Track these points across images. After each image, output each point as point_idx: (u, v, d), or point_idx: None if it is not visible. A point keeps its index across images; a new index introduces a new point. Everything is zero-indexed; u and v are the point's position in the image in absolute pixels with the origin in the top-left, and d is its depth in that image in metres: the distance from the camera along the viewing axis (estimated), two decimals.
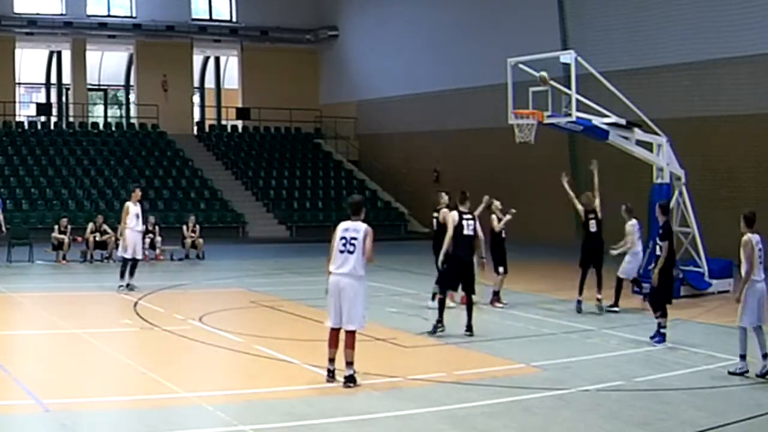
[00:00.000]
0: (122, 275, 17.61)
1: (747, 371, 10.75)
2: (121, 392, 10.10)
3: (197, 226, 24.81)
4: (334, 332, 10.16)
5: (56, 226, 23.57)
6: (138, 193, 18.38)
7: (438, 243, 14.74)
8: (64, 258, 23.05)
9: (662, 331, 12.78)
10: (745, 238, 10.84)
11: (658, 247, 12.98)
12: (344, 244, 10.11)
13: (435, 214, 15.83)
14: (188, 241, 24.44)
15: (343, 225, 10.29)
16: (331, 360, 10.16)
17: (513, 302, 16.45)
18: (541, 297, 17.74)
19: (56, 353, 12.19)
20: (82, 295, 17.85)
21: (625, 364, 11.62)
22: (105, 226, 23.61)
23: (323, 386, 10.17)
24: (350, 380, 9.94)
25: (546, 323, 14.65)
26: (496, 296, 16.25)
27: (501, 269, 16.12)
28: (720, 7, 23.01)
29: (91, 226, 23.78)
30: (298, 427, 8.55)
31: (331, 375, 10.12)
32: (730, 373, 10.76)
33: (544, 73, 17.16)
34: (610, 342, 13.14)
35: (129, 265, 17.66)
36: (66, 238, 23.18)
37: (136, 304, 15.95)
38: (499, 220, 16.17)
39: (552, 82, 17.26)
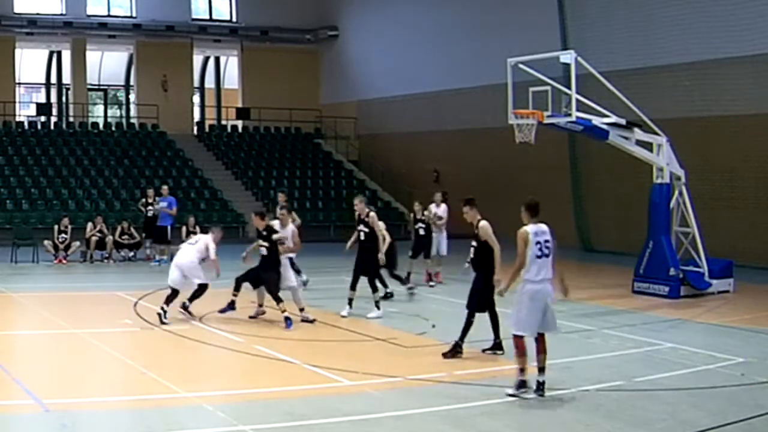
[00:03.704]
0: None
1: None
2: (121, 392, 10.12)
3: (197, 227, 24.77)
4: None
5: (56, 226, 23.56)
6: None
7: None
8: (65, 258, 23.06)
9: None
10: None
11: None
12: None
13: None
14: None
15: None
16: None
17: (513, 302, 16.41)
18: None
19: (56, 353, 12.19)
20: (82, 295, 17.85)
21: (625, 364, 11.62)
22: (102, 226, 23.68)
23: (323, 386, 10.19)
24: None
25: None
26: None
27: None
28: (720, 7, 22.99)
29: (89, 226, 23.83)
30: (298, 427, 8.56)
31: None
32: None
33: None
34: (610, 342, 13.13)
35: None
36: (66, 237, 23.19)
37: (136, 304, 15.96)
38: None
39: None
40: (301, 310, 14.44)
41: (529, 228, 9.79)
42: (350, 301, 15.00)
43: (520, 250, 9.71)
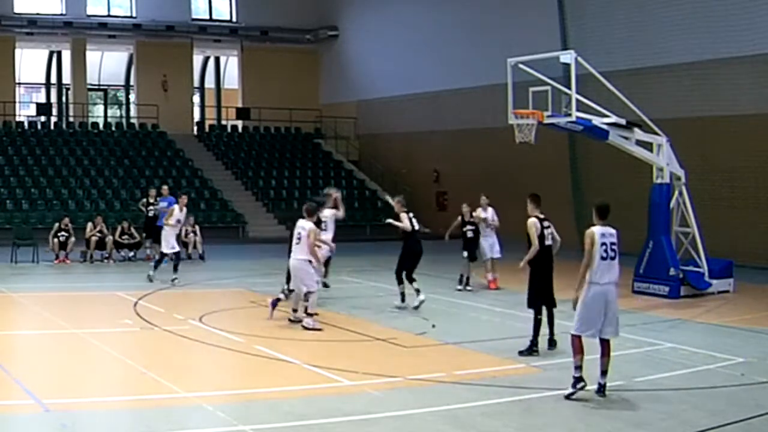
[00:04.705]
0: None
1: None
2: (121, 392, 10.12)
3: (197, 227, 24.80)
4: None
5: (56, 224, 23.54)
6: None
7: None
8: (66, 257, 23.06)
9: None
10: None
11: None
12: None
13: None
14: (190, 239, 24.38)
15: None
16: None
17: (513, 302, 16.44)
18: None
19: (56, 353, 12.19)
20: (82, 295, 17.85)
21: (625, 364, 11.60)
22: (102, 226, 23.68)
23: (323, 386, 10.19)
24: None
25: (546, 323, 14.62)
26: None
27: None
28: (720, 7, 22.99)
29: (89, 226, 23.82)
30: (298, 427, 8.56)
31: None
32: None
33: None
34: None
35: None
36: (67, 236, 23.18)
37: (136, 304, 15.96)
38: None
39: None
40: (294, 311, 14.51)
41: (596, 229, 9.91)
42: (418, 290, 15.93)
43: (588, 249, 9.80)
